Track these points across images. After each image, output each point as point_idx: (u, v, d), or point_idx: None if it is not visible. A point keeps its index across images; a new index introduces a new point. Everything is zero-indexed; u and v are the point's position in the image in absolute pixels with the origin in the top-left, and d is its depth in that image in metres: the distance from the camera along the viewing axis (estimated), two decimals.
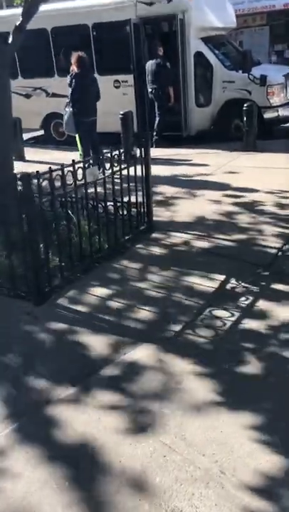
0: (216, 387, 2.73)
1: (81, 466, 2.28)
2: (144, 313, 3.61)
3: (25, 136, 10.66)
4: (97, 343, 3.24)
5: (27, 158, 9.35)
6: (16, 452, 2.38)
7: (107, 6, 9.74)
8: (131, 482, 2.15)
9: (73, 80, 7.34)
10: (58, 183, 3.81)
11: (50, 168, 3.73)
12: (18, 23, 4.87)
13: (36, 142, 11.60)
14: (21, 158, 9.21)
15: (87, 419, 2.55)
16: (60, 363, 3.07)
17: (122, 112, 8.58)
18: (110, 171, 4.45)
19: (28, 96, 11.05)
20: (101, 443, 2.39)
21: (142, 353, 3.09)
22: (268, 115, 9.24)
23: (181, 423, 2.47)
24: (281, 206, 5.69)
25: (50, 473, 2.24)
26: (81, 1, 10.52)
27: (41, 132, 11.67)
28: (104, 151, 4.73)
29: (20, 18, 4.94)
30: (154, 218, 5.31)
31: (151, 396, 2.69)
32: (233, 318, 3.43)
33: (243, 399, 2.63)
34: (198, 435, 2.39)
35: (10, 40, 4.84)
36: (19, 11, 5.10)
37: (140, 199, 5.08)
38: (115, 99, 9.53)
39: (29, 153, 9.62)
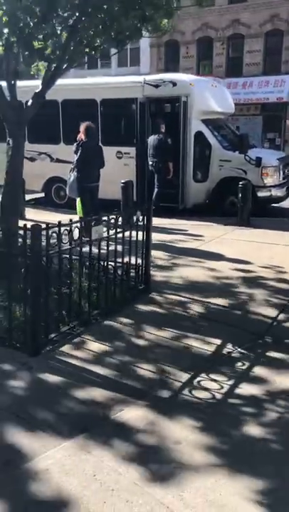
0: (214, 450, 2.67)
1: None
2: (140, 371, 3.58)
3: (26, 197, 10.97)
4: (91, 398, 3.18)
5: (27, 217, 9.56)
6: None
7: (117, 85, 10.51)
8: None
9: (80, 148, 7.73)
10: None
11: (59, 222, 3.85)
12: (38, 90, 5.22)
13: (35, 204, 11.91)
14: (21, 216, 9.42)
15: (82, 477, 2.45)
16: (51, 417, 2.98)
17: (123, 181, 8.97)
18: (114, 231, 4.59)
19: (32, 159, 11.50)
20: (96, 501, 2.29)
21: (138, 412, 3.03)
22: (261, 194, 9.71)
23: (179, 483, 2.40)
24: (273, 279, 5.83)
25: None
26: (92, 79, 11.35)
27: (42, 195, 12.03)
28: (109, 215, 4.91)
29: (40, 86, 5.31)
30: (151, 280, 5.40)
31: (148, 455, 2.62)
32: (230, 382, 3.41)
33: (241, 462, 2.57)
34: (197, 497, 2.31)
35: (29, 103, 5.16)
36: (34, 82, 5.50)
37: (139, 261, 5.20)
38: (117, 168, 9.98)
39: (29, 213, 9.85)
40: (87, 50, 5.05)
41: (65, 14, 4.79)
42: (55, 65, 4.99)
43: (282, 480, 2.45)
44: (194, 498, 2.30)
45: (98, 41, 5.00)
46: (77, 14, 4.73)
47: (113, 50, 6.56)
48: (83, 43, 4.91)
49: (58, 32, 4.84)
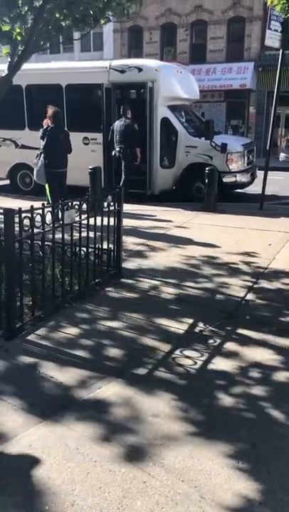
0: (191, 420, 2.80)
1: (61, 496, 2.24)
2: (116, 351, 3.67)
3: None
4: (69, 378, 3.25)
5: None
6: None
7: (82, 70, 10.42)
8: (113, 506, 2.14)
9: (47, 133, 7.66)
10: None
11: (31, 206, 3.85)
12: (4, 75, 5.15)
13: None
14: None
15: (65, 451, 2.53)
16: (30, 396, 3.04)
17: (91, 167, 8.95)
18: (86, 215, 4.63)
19: None
20: (80, 471, 2.38)
21: (116, 388, 3.13)
22: (226, 180, 9.90)
23: (159, 452, 2.51)
24: (240, 261, 6.01)
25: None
26: (57, 64, 11.19)
27: (5, 182, 11.84)
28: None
29: (6, 71, 5.25)
30: (122, 265, 5.48)
31: (128, 427, 2.72)
32: (203, 358, 3.55)
33: (216, 430, 2.71)
34: (176, 463, 2.43)
35: None
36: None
37: (111, 246, 5.25)
38: (83, 155, 9.94)
39: None
40: (53, 32, 4.99)
41: None
42: (21, 48, 4.93)
43: (252, 445, 2.60)
44: (174, 465, 2.42)
45: (64, 23, 4.96)
46: None
47: (76, 35, 6.51)
48: (49, 27, 4.85)
49: (23, 13, 4.78)
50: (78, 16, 4.76)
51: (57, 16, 4.80)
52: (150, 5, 21.91)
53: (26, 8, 4.68)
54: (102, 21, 5.10)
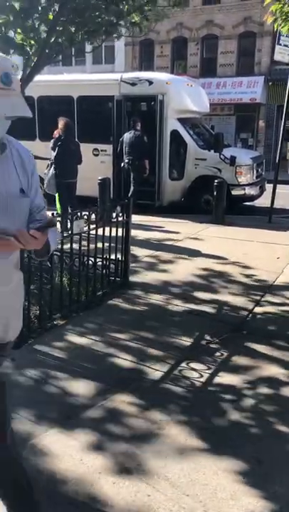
0: (197, 433, 2.78)
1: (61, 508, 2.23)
2: (121, 362, 3.66)
3: None
4: (76, 388, 3.24)
5: None
6: None
7: (94, 82, 10.55)
8: None
9: (58, 143, 7.75)
10: None
11: None
12: None
13: None
14: None
15: (70, 462, 2.52)
16: (36, 406, 3.03)
17: (100, 178, 9.01)
18: (94, 225, 4.66)
19: None
20: (84, 483, 2.36)
21: (121, 400, 3.11)
22: (235, 192, 9.92)
23: (164, 465, 2.49)
24: (247, 274, 5.99)
25: None
26: (68, 76, 11.34)
27: None
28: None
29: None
30: (130, 276, 5.48)
31: (133, 439, 2.70)
32: (209, 371, 3.53)
33: (222, 444, 2.69)
34: (182, 477, 2.41)
35: None
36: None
37: (118, 257, 5.27)
38: (93, 166, 10.00)
39: None
40: (66, 45, 5.07)
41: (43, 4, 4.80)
42: (34, 60, 5.01)
43: (258, 461, 2.57)
44: (179, 478, 2.40)
45: (77, 36, 5.04)
46: (56, 8, 4.77)
47: (88, 48, 6.61)
48: (62, 39, 4.93)
49: (37, 25, 4.86)
50: (91, 29, 4.84)
51: (69, 28, 4.88)
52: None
53: (40, 20, 4.76)
54: (115, 35, 5.18)
